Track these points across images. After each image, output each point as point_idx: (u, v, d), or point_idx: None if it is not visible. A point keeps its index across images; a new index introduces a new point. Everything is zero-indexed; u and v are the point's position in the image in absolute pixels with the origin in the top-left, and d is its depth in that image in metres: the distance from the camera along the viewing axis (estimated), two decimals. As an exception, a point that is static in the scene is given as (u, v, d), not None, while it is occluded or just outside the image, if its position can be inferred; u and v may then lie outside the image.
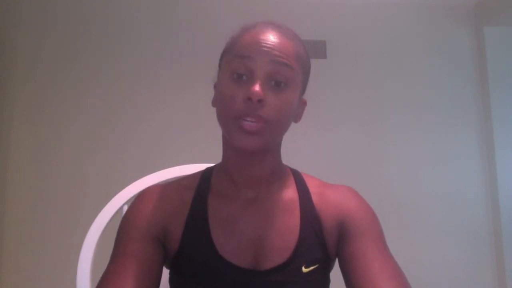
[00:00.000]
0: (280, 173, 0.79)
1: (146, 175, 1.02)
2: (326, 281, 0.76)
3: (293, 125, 0.77)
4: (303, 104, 0.80)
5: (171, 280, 0.76)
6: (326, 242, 0.74)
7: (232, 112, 0.69)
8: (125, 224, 0.74)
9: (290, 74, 0.71)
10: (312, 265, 0.72)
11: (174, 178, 1.01)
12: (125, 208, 0.98)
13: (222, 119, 0.73)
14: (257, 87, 0.67)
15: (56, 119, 2.14)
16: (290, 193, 0.78)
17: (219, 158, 0.82)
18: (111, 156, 2.13)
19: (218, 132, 0.76)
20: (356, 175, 2.24)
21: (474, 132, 2.35)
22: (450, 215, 2.26)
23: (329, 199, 0.77)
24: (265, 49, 0.70)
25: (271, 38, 0.71)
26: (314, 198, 0.77)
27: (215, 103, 0.77)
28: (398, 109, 2.33)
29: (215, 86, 0.78)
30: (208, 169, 0.83)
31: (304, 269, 0.71)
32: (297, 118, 0.78)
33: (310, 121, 2.33)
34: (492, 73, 2.34)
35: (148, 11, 2.28)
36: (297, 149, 2.27)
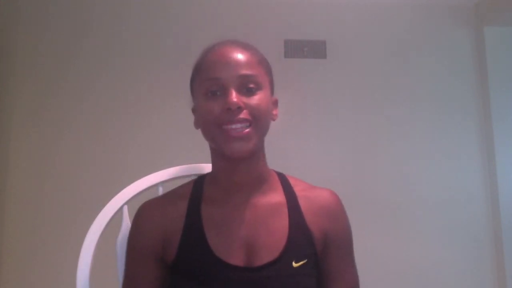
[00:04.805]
0: (267, 177, 0.86)
1: (146, 175, 1.02)
2: (316, 273, 0.82)
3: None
4: (274, 102, 0.87)
5: (170, 284, 0.79)
6: (313, 240, 0.81)
7: (214, 121, 0.77)
8: (131, 247, 0.83)
9: (258, 80, 0.80)
10: (302, 260, 0.78)
11: (174, 178, 1.01)
12: (125, 208, 0.98)
13: (207, 131, 0.81)
14: (233, 97, 0.76)
15: (56, 118, 2.14)
16: (277, 196, 0.84)
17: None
18: (111, 156, 2.13)
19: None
20: (356, 174, 2.24)
21: (474, 131, 2.35)
22: (449, 214, 2.25)
23: (314, 205, 0.84)
24: (231, 65, 0.78)
25: (232, 53, 0.80)
26: (301, 201, 0.84)
27: (197, 124, 0.85)
28: (398, 109, 2.33)
29: (193, 110, 0.87)
30: (199, 177, 0.89)
31: (295, 264, 0.77)
32: (274, 116, 0.85)
33: (310, 121, 2.34)
34: (492, 73, 2.34)
35: (147, 10, 2.28)
36: (297, 148, 2.27)
